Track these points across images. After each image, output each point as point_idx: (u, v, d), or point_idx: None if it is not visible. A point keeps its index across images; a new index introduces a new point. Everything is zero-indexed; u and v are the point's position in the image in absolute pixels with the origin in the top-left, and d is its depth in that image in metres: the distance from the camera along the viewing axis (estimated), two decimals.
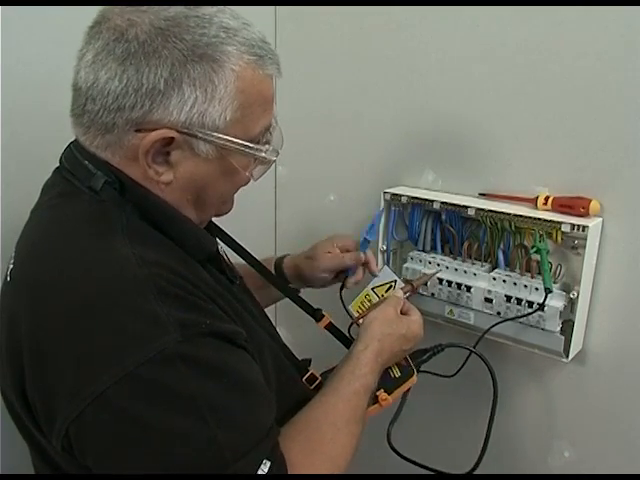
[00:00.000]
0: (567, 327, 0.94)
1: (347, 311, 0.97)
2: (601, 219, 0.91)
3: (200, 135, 0.63)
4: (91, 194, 0.65)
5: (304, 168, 1.29)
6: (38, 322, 0.59)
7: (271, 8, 1.24)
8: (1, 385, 0.70)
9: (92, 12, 0.97)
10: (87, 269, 0.59)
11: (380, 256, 1.12)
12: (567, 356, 0.94)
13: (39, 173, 0.96)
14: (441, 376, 0.94)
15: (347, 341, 0.92)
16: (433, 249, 1.09)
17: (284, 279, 1.00)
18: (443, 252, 1.08)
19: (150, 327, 0.55)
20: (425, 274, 1.02)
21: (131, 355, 0.54)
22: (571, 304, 0.93)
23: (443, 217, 1.06)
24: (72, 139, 0.71)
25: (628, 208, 0.90)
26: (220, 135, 0.64)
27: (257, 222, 1.35)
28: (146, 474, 0.55)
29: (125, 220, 0.63)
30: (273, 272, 1.00)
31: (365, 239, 1.00)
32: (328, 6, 1.16)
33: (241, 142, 0.66)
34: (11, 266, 0.67)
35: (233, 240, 0.90)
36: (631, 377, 0.94)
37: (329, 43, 1.19)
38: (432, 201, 1.03)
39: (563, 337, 0.94)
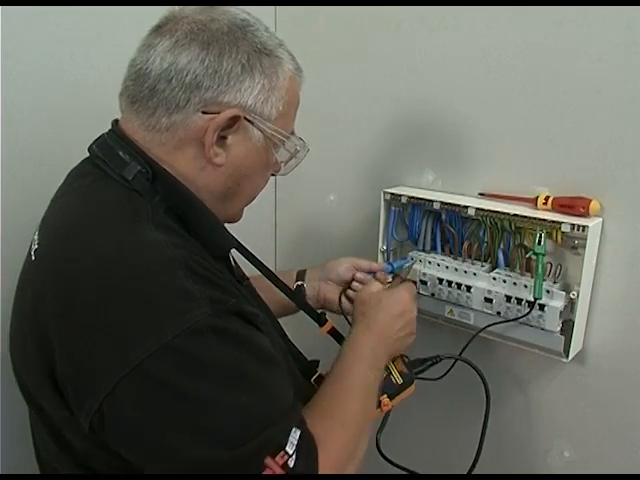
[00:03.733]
0: (567, 327, 0.94)
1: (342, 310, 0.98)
2: (601, 219, 0.91)
3: (257, 121, 0.69)
4: (122, 182, 0.68)
5: (304, 168, 1.29)
6: (70, 300, 0.60)
7: (271, 8, 1.24)
8: (18, 368, 0.71)
9: (91, 11, 0.97)
10: (119, 248, 0.61)
11: (380, 256, 1.12)
12: (567, 356, 0.94)
13: (39, 173, 0.97)
14: (428, 379, 0.93)
15: None
16: (433, 249, 1.09)
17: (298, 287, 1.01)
18: (443, 252, 1.08)
19: (183, 301, 0.57)
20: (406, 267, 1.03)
21: (165, 328, 0.56)
22: (571, 304, 0.93)
23: (443, 217, 1.06)
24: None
25: (628, 208, 0.90)
26: (270, 125, 0.71)
27: (257, 222, 1.35)
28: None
29: (151, 210, 0.66)
30: (294, 278, 1.01)
31: (391, 264, 1.02)
32: (328, 6, 1.16)
33: (285, 133, 0.73)
34: (35, 246, 0.68)
35: (240, 244, 0.91)
36: (631, 377, 0.94)
37: (329, 43, 1.19)
38: (432, 201, 1.03)
39: (563, 337, 0.93)
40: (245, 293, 0.76)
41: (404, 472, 0.91)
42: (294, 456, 0.58)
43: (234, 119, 0.67)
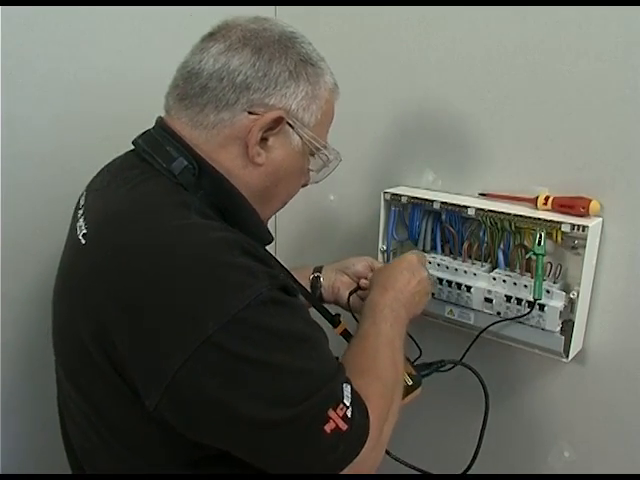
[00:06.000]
0: (567, 327, 0.94)
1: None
2: (601, 219, 0.91)
3: (297, 126, 0.73)
4: (169, 176, 0.70)
5: None
6: (132, 282, 0.62)
7: (271, 8, 1.24)
8: (62, 355, 0.74)
9: (91, 11, 0.97)
10: (177, 232, 0.63)
11: (380, 256, 1.12)
12: (567, 356, 0.94)
13: (39, 174, 0.97)
14: (437, 372, 0.94)
15: None
16: (433, 249, 1.09)
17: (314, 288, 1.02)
18: (443, 252, 1.08)
19: (246, 276, 0.61)
20: None
21: (232, 301, 0.59)
22: (571, 304, 0.93)
23: (443, 217, 1.06)
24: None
25: (628, 208, 0.90)
26: (308, 131, 0.74)
27: None
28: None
29: (197, 204, 0.68)
30: (311, 271, 1.03)
31: None
32: (328, 6, 1.16)
33: (321, 141, 0.76)
34: (84, 231, 0.70)
35: None
36: (631, 377, 0.95)
37: (329, 43, 1.17)
38: (432, 201, 1.03)
39: (563, 337, 0.94)
40: None
41: (410, 469, 0.91)
42: (350, 407, 0.63)
43: (277, 121, 0.71)
